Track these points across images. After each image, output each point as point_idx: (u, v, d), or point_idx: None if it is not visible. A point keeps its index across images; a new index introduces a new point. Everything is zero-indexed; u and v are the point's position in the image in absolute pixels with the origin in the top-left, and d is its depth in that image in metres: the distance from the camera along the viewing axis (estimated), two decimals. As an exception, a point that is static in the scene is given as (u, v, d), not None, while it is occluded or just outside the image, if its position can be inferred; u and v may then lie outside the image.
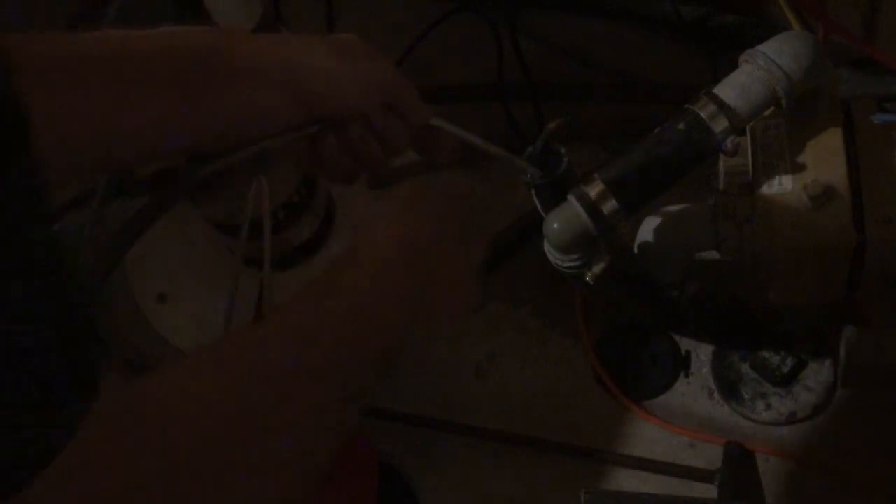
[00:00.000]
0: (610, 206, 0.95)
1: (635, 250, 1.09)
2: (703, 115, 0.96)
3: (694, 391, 1.20)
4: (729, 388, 1.18)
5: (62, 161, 0.65)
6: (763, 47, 0.97)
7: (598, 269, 0.98)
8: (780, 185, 1.00)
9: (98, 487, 0.49)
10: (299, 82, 0.73)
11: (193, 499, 0.53)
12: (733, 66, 0.98)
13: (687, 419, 1.18)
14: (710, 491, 1.12)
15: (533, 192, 0.95)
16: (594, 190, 0.95)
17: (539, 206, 0.97)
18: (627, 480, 1.15)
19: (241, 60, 0.72)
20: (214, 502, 0.55)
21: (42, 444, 0.46)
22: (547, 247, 0.98)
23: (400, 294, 0.70)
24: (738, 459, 1.13)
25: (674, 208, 1.09)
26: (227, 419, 0.56)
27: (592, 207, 0.94)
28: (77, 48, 0.67)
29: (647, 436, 1.18)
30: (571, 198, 0.94)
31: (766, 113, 0.99)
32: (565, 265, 0.98)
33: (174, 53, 0.70)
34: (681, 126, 0.96)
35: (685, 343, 1.21)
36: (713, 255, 1.06)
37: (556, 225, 0.95)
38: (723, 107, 0.95)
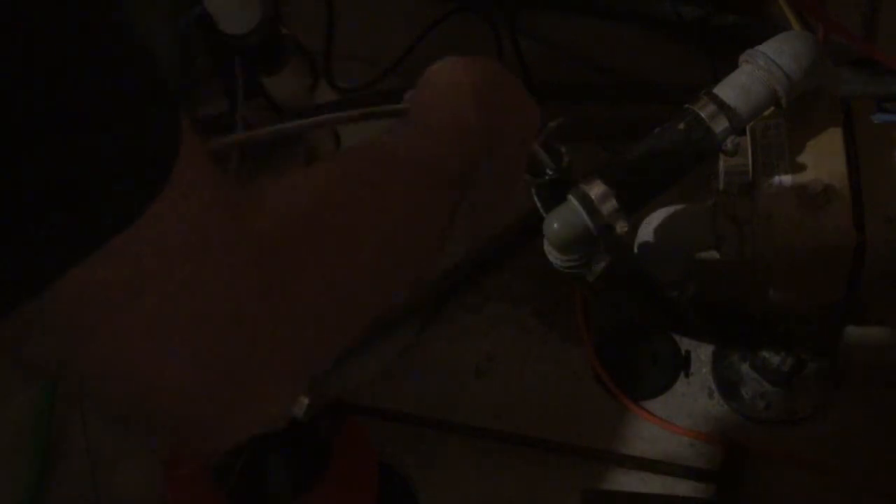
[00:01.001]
0: (609, 206, 0.95)
1: (635, 250, 1.09)
2: (703, 115, 0.96)
3: (694, 391, 1.20)
4: (729, 387, 1.18)
5: None
6: (763, 47, 0.97)
7: (598, 269, 0.98)
8: (781, 185, 1.00)
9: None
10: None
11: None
12: (733, 66, 0.98)
13: (687, 419, 1.18)
14: (709, 491, 1.12)
15: (533, 192, 0.95)
16: (594, 190, 0.95)
17: (539, 206, 0.97)
18: (627, 480, 1.15)
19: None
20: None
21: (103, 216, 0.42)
22: (547, 247, 0.98)
23: (470, 119, 0.71)
24: (738, 459, 1.13)
25: (674, 208, 1.09)
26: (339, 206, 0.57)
27: (592, 207, 0.94)
28: None
29: (647, 436, 1.18)
30: (571, 198, 0.94)
31: (766, 113, 0.99)
32: (565, 265, 0.98)
33: None
34: (681, 126, 0.96)
35: (685, 343, 1.21)
36: (713, 255, 1.06)
37: (556, 225, 0.95)
38: (723, 107, 0.95)
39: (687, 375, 1.20)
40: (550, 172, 0.92)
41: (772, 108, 0.98)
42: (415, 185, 0.64)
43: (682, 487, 1.13)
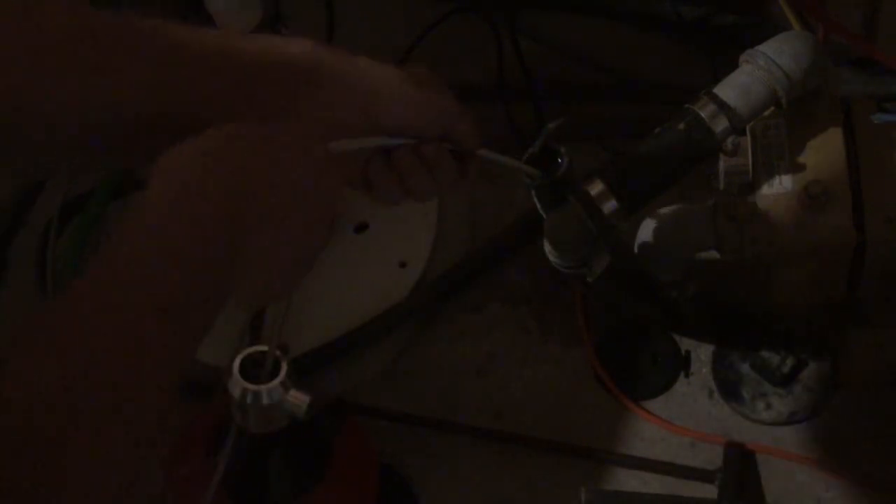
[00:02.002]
0: (610, 206, 0.95)
1: (635, 250, 1.09)
2: (703, 114, 0.96)
3: (694, 391, 1.20)
4: (729, 388, 1.18)
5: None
6: (763, 47, 0.97)
7: (598, 269, 0.98)
8: (781, 185, 1.01)
9: None
10: (376, 103, 0.75)
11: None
12: (733, 66, 0.98)
13: (687, 419, 1.18)
14: (710, 491, 1.12)
15: (533, 192, 0.95)
16: (594, 190, 0.95)
17: (539, 207, 0.97)
18: (627, 480, 1.15)
19: (328, 72, 0.74)
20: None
21: None
22: (547, 247, 0.98)
23: (203, 228, 0.61)
24: (738, 459, 1.13)
25: (674, 208, 1.09)
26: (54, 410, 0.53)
27: (592, 207, 0.94)
28: (180, 37, 0.70)
29: (647, 436, 1.17)
30: (571, 198, 0.94)
31: (766, 113, 0.99)
32: (565, 265, 0.98)
33: (269, 57, 0.73)
34: (681, 126, 0.96)
35: (685, 343, 1.21)
36: (713, 255, 1.06)
37: (556, 225, 0.95)
38: (723, 107, 0.95)
39: (687, 375, 1.20)
40: (541, 177, 0.92)
41: (772, 108, 0.98)
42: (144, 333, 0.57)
43: (682, 487, 1.13)
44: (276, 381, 0.91)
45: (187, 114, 0.70)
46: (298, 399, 0.91)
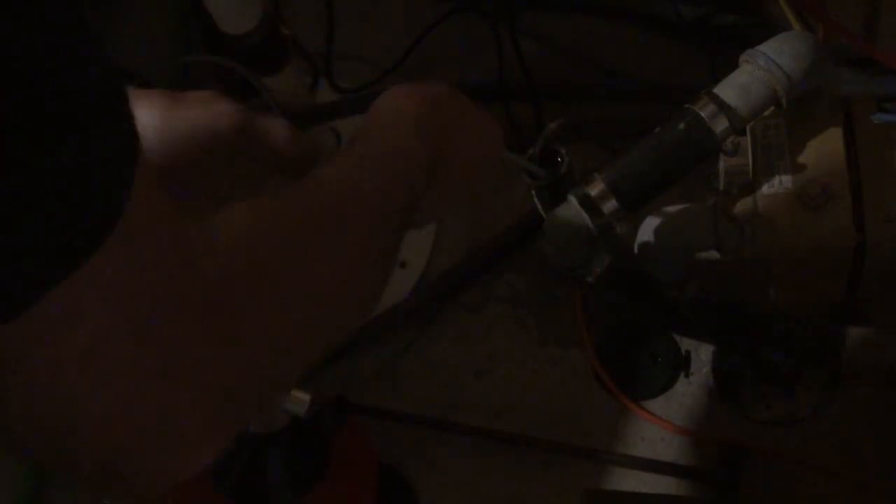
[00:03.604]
0: (610, 206, 0.95)
1: (635, 250, 1.09)
2: (703, 114, 0.96)
3: (694, 391, 1.19)
4: (729, 388, 1.18)
5: None
6: (763, 47, 0.97)
7: (598, 268, 0.98)
8: (781, 185, 1.01)
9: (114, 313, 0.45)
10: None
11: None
12: (733, 66, 0.98)
13: (687, 419, 1.18)
14: (710, 491, 1.12)
15: (533, 192, 0.95)
16: (594, 190, 0.95)
17: (539, 207, 0.97)
18: (627, 480, 1.15)
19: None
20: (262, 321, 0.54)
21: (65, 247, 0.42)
22: (547, 247, 0.98)
23: (415, 152, 0.71)
24: (738, 459, 1.13)
25: (674, 208, 1.09)
26: (273, 250, 0.56)
27: (592, 207, 0.94)
28: None
29: (647, 436, 1.18)
30: (571, 198, 0.95)
31: (766, 113, 0.99)
32: (565, 265, 0.98)
33: None
34: (681, 126, 0.96)
35: (685, 343, 1.21)
36: (713, 255, 1.06)
37: (556, 225, 0.95)
38: (723, 107, 0.95)
39: (687, 375, 1.20)
40: (545, 176, 0.92)
41: (772, 108, 0.98)
42: (359, 221, 0.64)
43: (682, 487, 1.13)
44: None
45: None
46: (298, 398, 0.91)
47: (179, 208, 0.49)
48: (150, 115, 0.72)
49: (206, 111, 0.75)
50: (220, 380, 0.50)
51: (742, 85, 0.96)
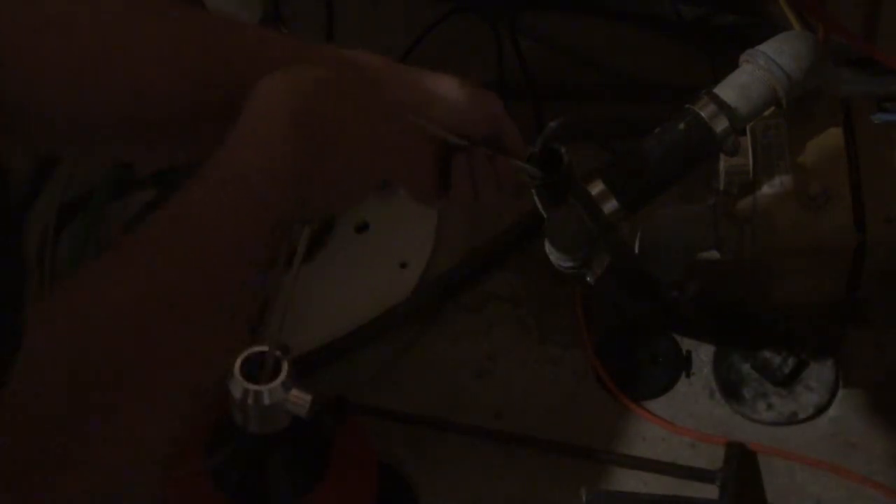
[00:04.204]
0: (610, 206, 0.95)
1: (636, 250, 1.09)
2: (703, 114, 0.96)
3: (695, 391, 1.19)
4: (730, 388, 1.18)
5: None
6: (763, 47, 0.97)
7: (598, 268, 0.98)
8: (781, 185, 1.01)
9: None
10: (432, 103, 0.79)
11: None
12: (733, 66, 0.98)
13: (688, 419, 1.18)
14: (710, 491, 1.12)
15: (533, 192, 0.95)
16: (594, 190, 0.95)
17: (539, 206, 0.96)
18: (627, 480, 1.15)
19: (386, 75, 0.78)
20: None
21: None
22: (547, 247, 0.98)
23: (288, 161, 0.65)
24: (739, 459, 1.13)
25: (674, 208, 1.09)
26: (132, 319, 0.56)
27: (593, 207, 0.94)
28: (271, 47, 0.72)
29: (648, 436, 1.17)
30: (572, 198, 0.94)
31: (767, 113, 0.99)
32: (566, 265, 0.98)
33: (327, 52, 0.76)
34: (681, 126, 0.96)
35: (686, 343, 1.21)
36: (713, 255, 1.06)
37: (556, 225, 0.95)
38: (723, 107, 0.95)
39: (688, 375, 1.20)
40: (545, 176, 0.92)
41: (772, 108, 0.98)
42: (219, 262, 0.61)
43: (683, 487, 1.13)
44: (277, 382, 0.91)
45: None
46: (299, 399, 0.91)
47: None
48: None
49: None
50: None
51: (742, 85, 0.96)
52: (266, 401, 0.91)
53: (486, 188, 0.83)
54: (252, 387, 0.91)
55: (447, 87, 0.80)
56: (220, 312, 0.61)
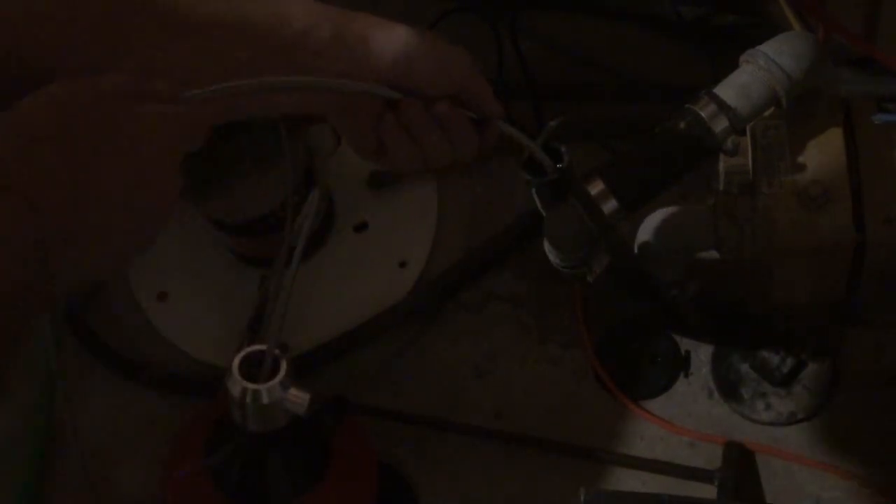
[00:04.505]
0: (610, 205, 0.95)
1: (635, 250, 1.09)
2: (703, 114, 0.96)
3: (694, 391, 1.19)
4: (729, 388, 1.18)
5: None
6: (763, 47, 0.97)
7: (598, 268, 0.98)
8: (781, 186, 1.01)
9: None
10: (371, 55, 0.73)
11: None
12: (733, 66, 0.98)
13: (687, 419, 1.18)
14: (710, 491, 1.12)
15: (533, 191, 0.95)
16: (594, 189, 0.95)
17: (539, 206, 0.97)
18: (627, 480, 1.15)
19: (327, 34, 0.73)
20: None
21: None
22: (547, 246, 0.98)
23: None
24: (738, 459, 1.13)
25: (674, 208, 1.09)
26: None
27: (592, 207, 0.94)
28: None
29: (647, 436, 1.17)
30: (572, 197, 0.94)
31: (767, 113, 0.99)
32: (565, 265, 0.98)
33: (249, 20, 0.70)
34: (681, 126, 0.96)
35: (685, 343, 1.21)
36: (713, 255, 1.06)
37: (556, 224, 0.95)
38: (723, 107, 0.95)
39: (687, 375, 1.20)
40: (549, 173, 0.92)
41: (772, 109, 0.98)
42: None
43: (682, 487, 1.13)
44: (276, 381, 0.91)
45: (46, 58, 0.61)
46: (298, 398, 0.91)
47: None
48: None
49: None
50: None
51: (742, 85, 0.96)
52: (264, 400, 0.91)
53: (433, 148, 0.77)
54: (250, 385, 0.91)
55: (396, 39, 0.76)
56: None
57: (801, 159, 1.01)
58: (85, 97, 0.57)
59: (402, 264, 1.26)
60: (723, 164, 1.04)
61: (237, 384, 0.91)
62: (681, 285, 1.09)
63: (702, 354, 1.21)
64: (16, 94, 0.57)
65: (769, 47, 0.97)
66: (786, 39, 0.97)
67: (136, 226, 0.59)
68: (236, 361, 0.91)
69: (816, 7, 1.11)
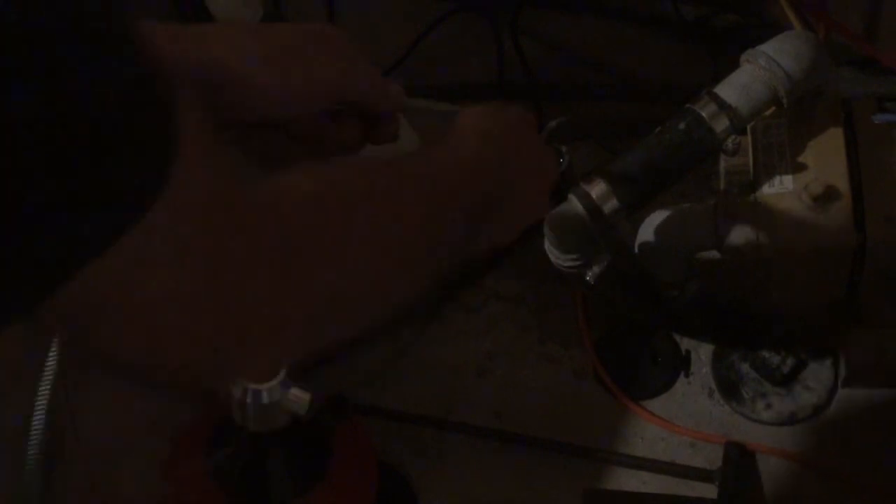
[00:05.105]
0: (611, 205, 0.95)
1: (636, 250, 1.09)
2: (704, 114, 0.96)
3: (694, 391, 1.19)
4: (729, 387, 1.18)
5: None
6: (764, 47, 0.97)
7: (598, 268, 0.98)
8: (781, 185, 1.00)
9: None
10: (214, 87, 0.65)
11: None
12: (734, 65, 0.98)
13: (687, 419, 1.18)
14: (710, 491, 1.12)
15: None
16: (595, 189, 0.95)
17: (540, 206, 0.96)
18: (627, 480, 1.15)
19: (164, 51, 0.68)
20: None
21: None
22: (547, 246, 0.98)
23: (480, 163, 0.72)
24: (739, 459, 1.13)
25: (674, 208, 1.09)
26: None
27: (593, 207, 0.94)
28: None
29: (647, 436, 1.17)
30: (572, 197, 0.94)
31: (767, 113, 0.99)
32: (566, 265, 0.98)
33: None
34: (682, 126, 0.96)
35: (685, 343, 1.21)
36: (713, 254, 1.06)
37: (556, 224, 0.95)
38: (724, 106, 0.95)
39: (687, 375, 1.20)
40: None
41: (773, 108, 0.98)
42: (428, 201, 0.65)
43: (682, 487, 1.13)
44: (276, 381, 0.91)
45: None
46: (298, 398, 0.91)
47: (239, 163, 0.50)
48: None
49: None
50: (282, 318, 0.53)
51: (743, 85, 0.96)
52: (265, 399, 0.91)
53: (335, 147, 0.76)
54: (251, 386, 0.91)
55: (250, 63, 0.66)
56: (415, 251, 0.64)
57: (801, 159, 1.01)
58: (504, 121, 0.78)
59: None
60: (723, 163, 1.03)
61: (238, 384, 0.91)
62: (681, 285, 1.09)
63: (702, 354, 1.21)
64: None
65: (770, 47, 0.96)
66: (786, 39, 0.97)
67: (532, 210, 0.82)
68: (237, 361, 0.91)
69: (817, 7, 1.11)
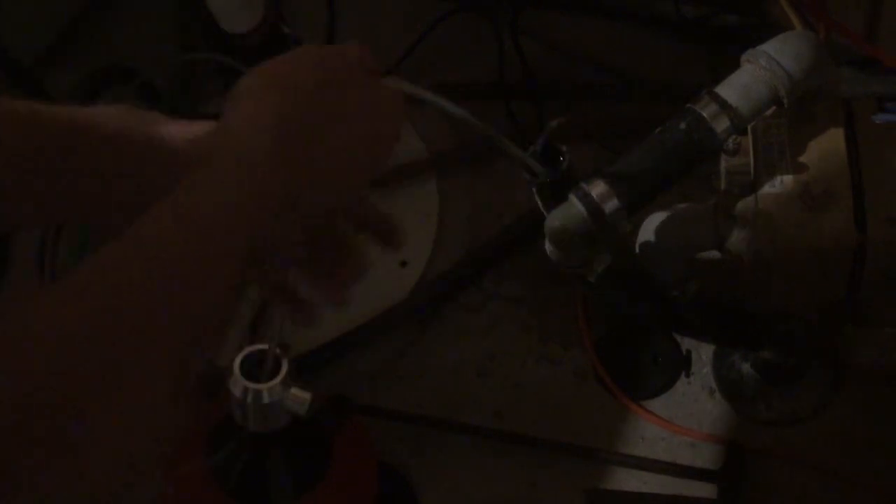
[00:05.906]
0: (611, 205, 0.95)
1: (636, 250, 1.09)
2: (704, 114, 0.96)
3: (695, 391, 1.19)
4: (730, 387, 1.18)
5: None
6: (765, 47, 0.97)
7: (599, 268, 0.98)
8: (782, 185, 1.01)
9: None
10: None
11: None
12: (734, 65, 0.98)
13: (687, 419, 1.18)
14: (710, 491, 1.12)
15: (534, 190, 0.95)
16: (596, 189, 0.95)
17: (540, 205, 0.96)
18: (627, 480, 1.15)
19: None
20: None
21: None
22: (548, 246, 0.98)
23: (266, 194, 0.60)
24: (739, 459, 1.13)
25: (674, 208, 1.09)
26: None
27: (594, 207, 0.94)
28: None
29: (648, 436, 1.17)
30: (573, 197, 0.94)
31: (768, 113, 0.99)
32: (566, 265, 0.98)
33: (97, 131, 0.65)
34: (682, 126, 0.96)
35: (686, 343, 1.21)
36: (713, 255, 1.06)
37: (557, 224, 0.95)
38: (724, 106, 0.95)
39: (688, 375, 1.20)
40: (546, 175, 0.92)
41: (773, 108, 0.98)
42: (162, 276, 0.55)
43: (683, 487, 1.13)
44: (277, 380, 0.91)
45: None
46: (299, 398, 0.91)
47: None
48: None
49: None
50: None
51: (744, 85, 0.96)
52: (265, 399, 0.91)
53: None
54: (251, 385, 0.91)
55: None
56: (187, 322, 0.58)
57: (802, 159, 1.01)
58: (336, 61, 0.65)
59: (403, 264, 1.26)
60: (724, 163, 1.04)
61: (238, 384, 0.91)
62: (681, 285, 1.09)
63: (703, 354, 1.21)
64: None
65: (770, 47, 0.96)
66: (787, 39, 0.97)
67: (367, 170, 0.68)
68: (238, 361, 0.91)
69: (817, 7, 1.11)
